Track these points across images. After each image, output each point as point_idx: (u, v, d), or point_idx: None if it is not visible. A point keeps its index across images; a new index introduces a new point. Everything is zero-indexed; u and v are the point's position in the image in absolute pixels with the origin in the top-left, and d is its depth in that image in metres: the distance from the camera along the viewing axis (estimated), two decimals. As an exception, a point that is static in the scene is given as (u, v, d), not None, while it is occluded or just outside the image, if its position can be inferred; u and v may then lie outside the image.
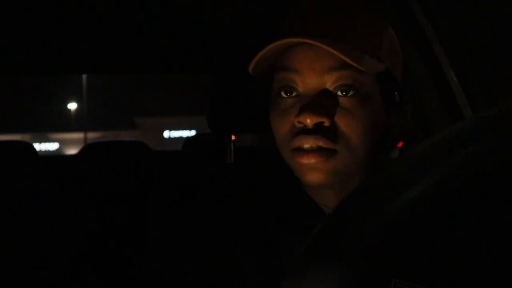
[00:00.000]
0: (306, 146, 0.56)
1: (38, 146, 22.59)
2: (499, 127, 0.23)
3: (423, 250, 0.23)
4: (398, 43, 0.64)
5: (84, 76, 19.51)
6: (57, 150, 24.70)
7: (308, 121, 0.55)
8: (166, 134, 26.11)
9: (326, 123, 0.56)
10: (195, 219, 0.67)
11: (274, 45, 0.57)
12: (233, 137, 1.40)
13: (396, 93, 0.63)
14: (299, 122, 0.56)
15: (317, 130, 0.56)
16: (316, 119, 0.55)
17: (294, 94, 0.59)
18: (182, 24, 1.65)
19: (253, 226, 0.65)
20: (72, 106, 27.04)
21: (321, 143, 0.56)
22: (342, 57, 0.55)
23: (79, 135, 23.33)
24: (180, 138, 22.46)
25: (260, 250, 0.63)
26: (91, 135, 22.31)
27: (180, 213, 0.69)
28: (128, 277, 1.56)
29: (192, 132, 21.25)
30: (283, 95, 0.59)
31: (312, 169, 0.57)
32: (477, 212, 0.24)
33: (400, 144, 0.69)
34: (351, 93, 0.57)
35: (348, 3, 0.62)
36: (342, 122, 0.57)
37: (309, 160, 0.56)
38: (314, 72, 0.57)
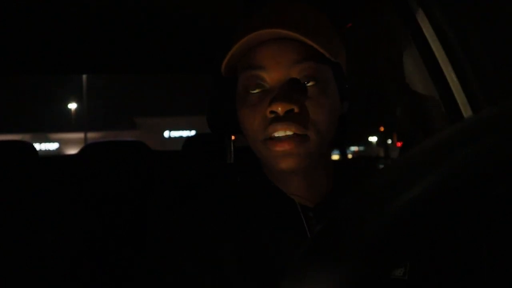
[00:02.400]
0: (280, 133, 0.60)
1: (38, 146, 22.60)
2: (499, 127, 0.23)
3: (423, 250, 0.23)
4: (342, 45, 0.70)
5: (84, 76, 19.52)
6: (57, 149, 24.72)
7: (280, 108, 0.59)
8: (166, 134, 26.13)
9: (296, 109, 0.60)
10: (195, 219, 0.67)
11: (246, 39, 0.60)
12: (233, 137, 1.40)
13: (346, 86, 0.68)
14: (271, 112, 0.60)
15: (288, 118, 0.60)
16: (287, 107, 0.59)
17: (260, 89, 0.63)
18: (182, 24, 1.65)
19: (250, 225, 0.65)
20: (72, 106, 27.05)
21: (293, 128, 0.60)
22: (317, 47, 0.60)
23: (79, 135, 23.33)
24: (181, 138, 22.49)
25: (252, 248, 0.63)
26: (91, 135, 22.31)
27: (180, 213, 0.69)
28: (128, 277, 1.56)
29: (192, 132, 21.27)
30: (251, 91, 0.63)
31: (286, 155, 0.61)
32: (477, 212, 0.24)
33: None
34: (314, 82, 0.62)
35: (305, 7, 0.67)
36: (310, 109, 0.61)
37: (283, 147, 0.60)
38: (279, 67, 0.61)
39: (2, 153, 1.76)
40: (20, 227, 1.64)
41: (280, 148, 0.60)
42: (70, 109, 27.20)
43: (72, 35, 1.71)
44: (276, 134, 0.60)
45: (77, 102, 26.63)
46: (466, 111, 1.04)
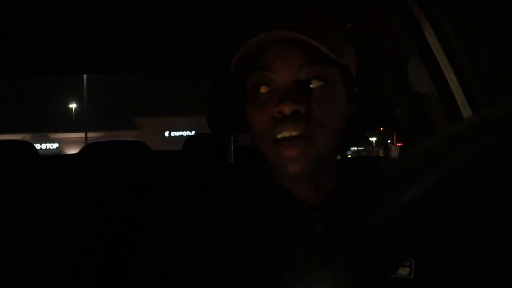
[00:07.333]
0: (285, 134, 0.61)
1: (39, 146, 22.62)
2: (499, 127, 0.23)
3: (423, 249, 0.23)
4: (352, 46, 0.70)
5: (84, 76, 19.54)
6: (57, 149, 24.74)
7: (286, 109, 0.60)
8: (166, 134, 26.16)
9: (302, 110, 0.61)
10: (195, 219, 0.67)
11: (254, 40, 0.61)
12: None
13: (355, 88, 0.69)
14: (278, 112, 0.61)
15: (294, 118, 0.61)
16: (293, 107, 0.60)
17: (269, 89, 0.64)
18: (182, 25, 1.65)
19: (255, 225, 0.65)
20: (73, 106, 27.06)
21: (299, 129, 0.61)
22: (325, 51, 0.60)
23: (79, 135, 23.35)
24: (181, 137, 22.49)
25: (255, 249, 0.63)
26: (91, 135, 22.31)
27: (180, 213, 0.69)
28: (128, 277, 1.56)
29: (192, 133, 21.27)
30: (260, 91, 0.65)
31: (292, 159, 0.62)
32: (477, 212, 0.24)
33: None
34: (321, 84, 0.63)
35: (312, 9, 0.68)
36: (316, 110, 0.62)
37: (290, 152, 0.61)
38: (288, 69, 0.63)
39: (2, 153, 1.76)
40: (20, 227, 1.64)
41: (287, 153, 0.61)
42: (70, 109, 27.21)
43: (72, 35, 1.71)
44: (282, 135, 0.61)
45: (77, 102, 26.65)
46: (466, 111, 1.04)
